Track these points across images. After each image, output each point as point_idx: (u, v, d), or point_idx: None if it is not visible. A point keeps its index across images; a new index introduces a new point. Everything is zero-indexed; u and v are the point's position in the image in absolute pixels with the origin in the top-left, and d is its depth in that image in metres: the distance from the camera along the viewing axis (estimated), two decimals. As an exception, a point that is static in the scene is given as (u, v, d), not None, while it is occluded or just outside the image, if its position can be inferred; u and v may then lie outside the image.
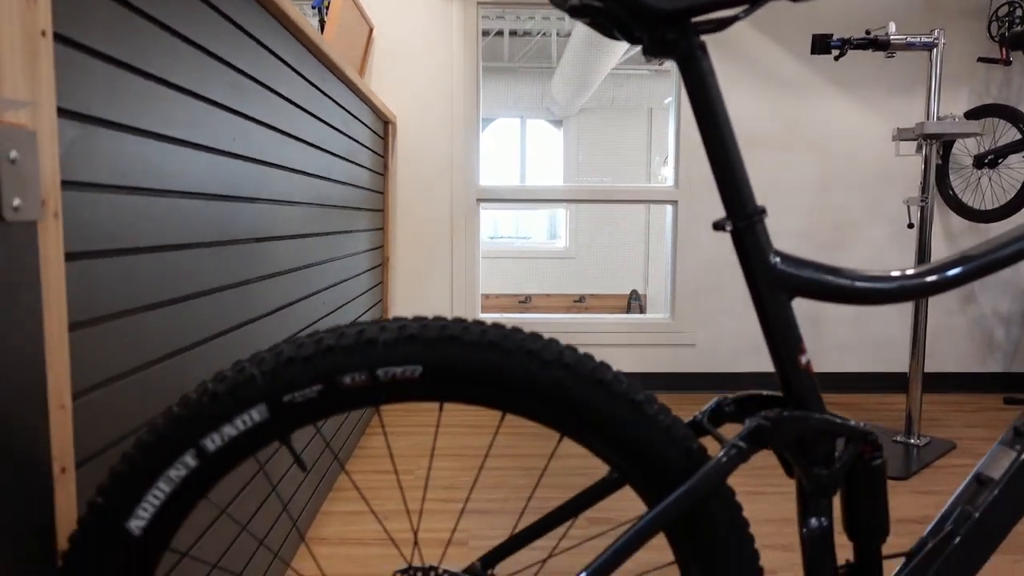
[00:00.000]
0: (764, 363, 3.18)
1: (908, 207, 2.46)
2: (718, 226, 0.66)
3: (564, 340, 3.19)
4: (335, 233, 1.95)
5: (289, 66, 1.49)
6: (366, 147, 2.45)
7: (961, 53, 3.07)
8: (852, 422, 0.67)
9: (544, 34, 7.50)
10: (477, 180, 3.11)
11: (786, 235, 3.15)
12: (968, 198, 3.08)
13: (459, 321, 0.63)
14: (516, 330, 0.64)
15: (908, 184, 3.13)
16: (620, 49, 6.38)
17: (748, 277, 0.67)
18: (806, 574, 0.71)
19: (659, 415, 0.65)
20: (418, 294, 3.10)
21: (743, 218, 0.65)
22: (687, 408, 2.93)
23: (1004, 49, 2.83)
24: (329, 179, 1.87)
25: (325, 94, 1.81)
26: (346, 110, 2.08)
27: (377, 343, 0.61)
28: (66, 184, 0.70)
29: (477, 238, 3.14)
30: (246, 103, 1.22)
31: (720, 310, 3.17)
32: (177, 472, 0.61)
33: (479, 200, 3.11)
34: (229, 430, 0.61)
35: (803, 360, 0.67)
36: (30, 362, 0.63)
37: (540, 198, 3.21)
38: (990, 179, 3.06)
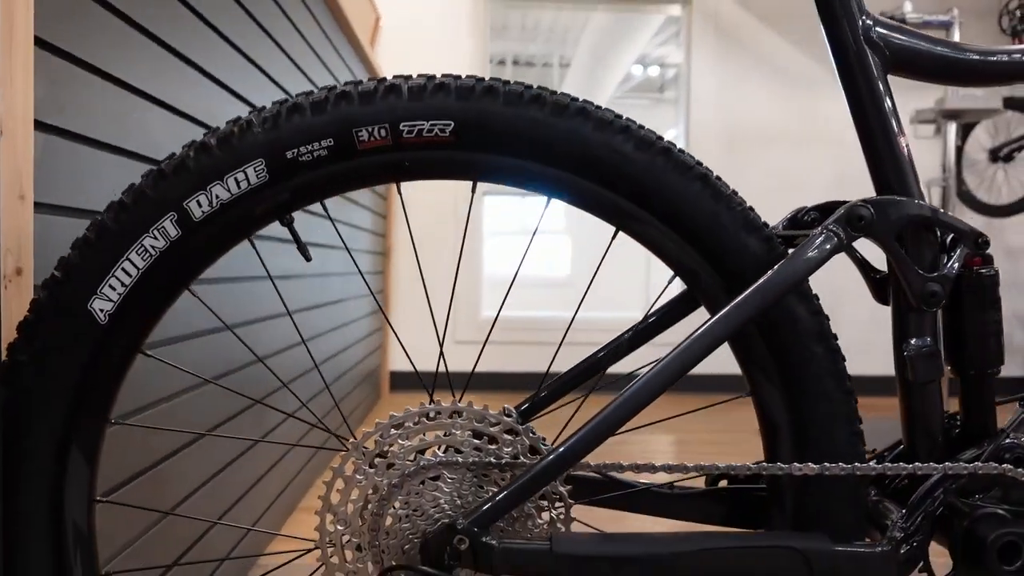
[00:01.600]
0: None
1: (928, 189, 2.39)
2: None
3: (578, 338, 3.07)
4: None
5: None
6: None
7: (972, 50, 3.05)
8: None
9: (546, 64, 7.58)
10: (482, 173, 3.04)
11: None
12: (983, 195, 3.02)
13: (496, 79, 0.53)
14: (565, 94, 0.54)
15: (925, 176, 3.07)
16: (618, 78, 6.42)
17: (835, 46, 0.57)
18: (907, 417, 0.59)
19: (734, 196, 0.55)
20: (419, 286, 2.99)
21: (829, -34, 0.55)
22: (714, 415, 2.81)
23: (1017, 41, 2.80)
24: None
25: (333, 46, 1.74)
26: (353, 74, 2.01)
27: (401, 92, 0.51)
28: None
29: (481, 230, 3.05)
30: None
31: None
32: (154, 242, 0.50)
33: (484, 193, 3.03)
34: (219, 191, 0.50)
35: (902, 144, 0.57)
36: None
37: (547, 192, 3.14)
38: (1006, 173, 3.00)
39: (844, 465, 0.54)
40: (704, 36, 3.06)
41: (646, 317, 0.65)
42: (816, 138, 3.05)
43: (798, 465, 0.54)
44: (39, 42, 0.61)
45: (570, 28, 6.26)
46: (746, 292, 0.53)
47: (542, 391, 0.64)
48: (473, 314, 3.03)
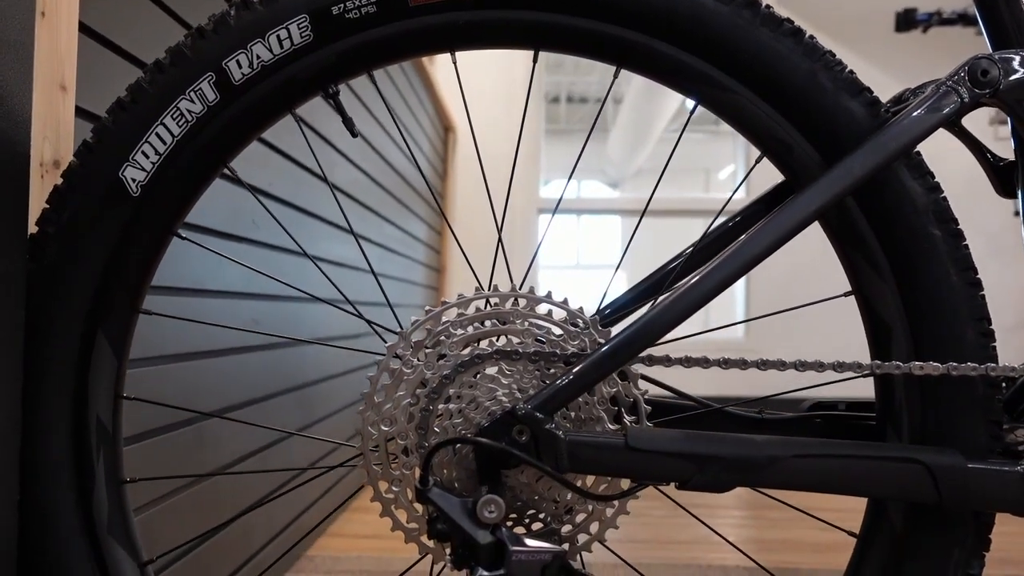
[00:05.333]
0: (853, 386, 2.87)
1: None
2: None
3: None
4: (387, 221, 1.79)
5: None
6: (429, 139, 2.39)
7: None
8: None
9: (598, 100, 7.63)
10: (537, 191, 3.01)
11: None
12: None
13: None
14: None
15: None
16: (671, 111, 6.37)
17: None
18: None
19: (832, 55, 0.48)
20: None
21: None
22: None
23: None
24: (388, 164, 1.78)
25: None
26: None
27: (456, -62, 0.47)
28: None
29: (536, 249, 3.01)
30: None
31: (801, 326, 2.92)
32: (191, 106, 0.47)
33: (539, 210, 3.00)
34: (260, 50, 0.47)
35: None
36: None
37: (599, 209, 3.09)
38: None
39: (975, 365, 0.46)
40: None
41: (727, 222, 0.58)
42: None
43: (919, 364, 0.46)
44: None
45: (624, 61, 6.27)
46: (848, 156, 0.46)
47: (606, 303, 0.58)
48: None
